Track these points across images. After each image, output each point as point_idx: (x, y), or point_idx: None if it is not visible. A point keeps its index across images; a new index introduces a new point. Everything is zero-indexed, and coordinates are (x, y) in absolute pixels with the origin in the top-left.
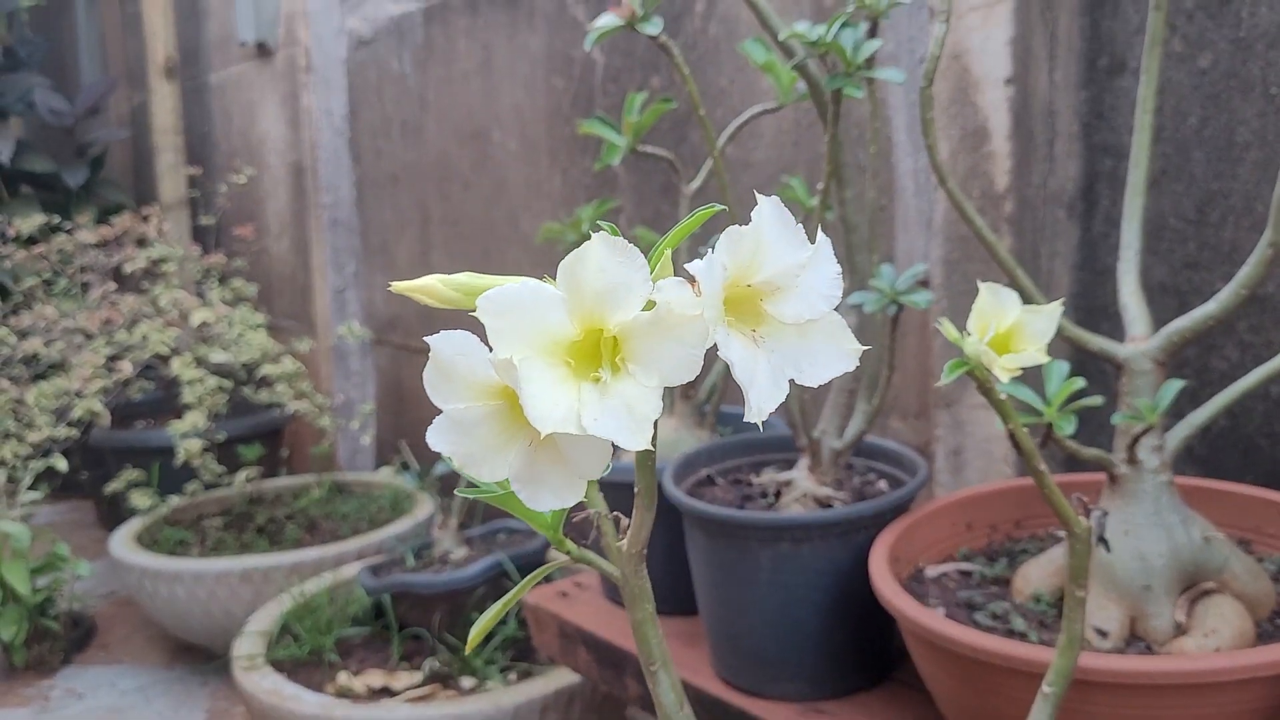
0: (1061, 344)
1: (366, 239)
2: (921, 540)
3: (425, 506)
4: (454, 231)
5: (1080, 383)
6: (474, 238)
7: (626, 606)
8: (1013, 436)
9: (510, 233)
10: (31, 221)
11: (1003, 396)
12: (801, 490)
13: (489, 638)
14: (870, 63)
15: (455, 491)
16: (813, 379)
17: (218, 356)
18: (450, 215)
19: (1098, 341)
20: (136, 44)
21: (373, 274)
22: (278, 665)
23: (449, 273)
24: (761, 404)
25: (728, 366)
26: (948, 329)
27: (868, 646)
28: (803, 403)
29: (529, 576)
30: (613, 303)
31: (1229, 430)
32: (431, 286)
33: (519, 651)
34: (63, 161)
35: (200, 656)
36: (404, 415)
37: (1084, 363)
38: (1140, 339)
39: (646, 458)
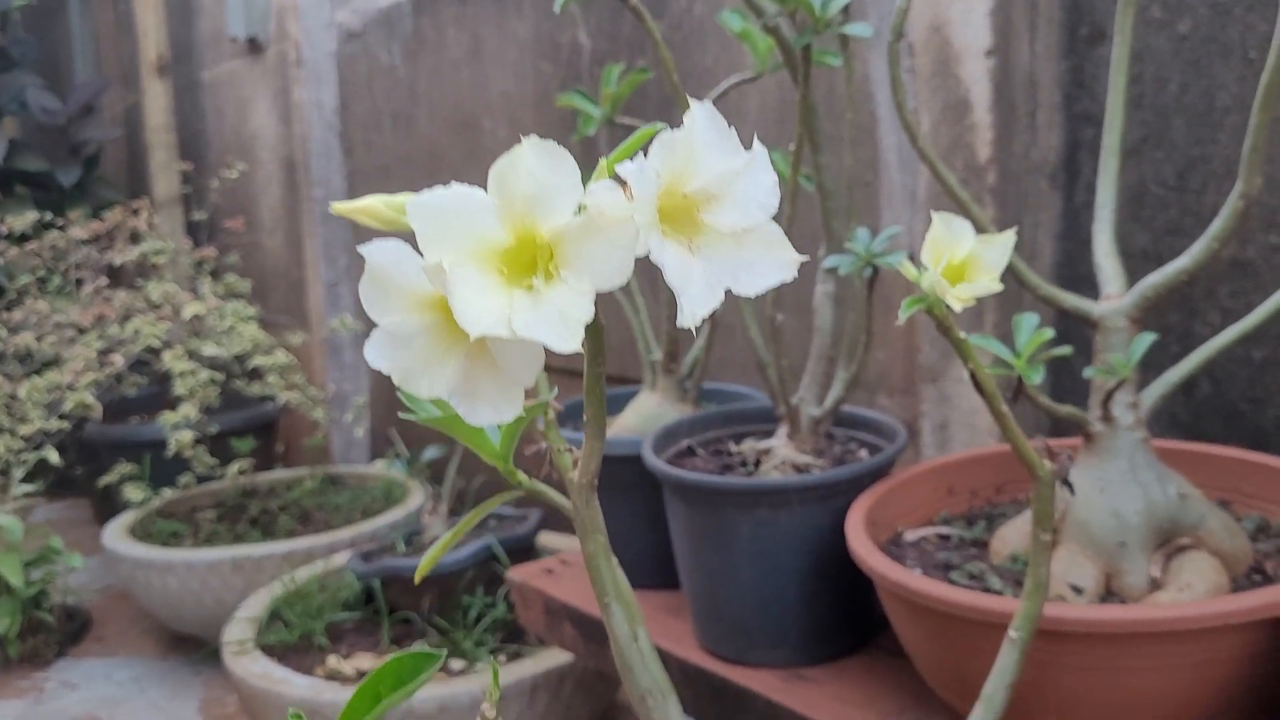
0: (1042, 310)
1: (359, 232)
2: (900, 505)
3: (417, 496)
4: None
5: (1049, 333)
6: None
7: (580, 539)
8: (973, 377)
9: None
10: (24, 219)
11: (962, 336)
12: (781, 458)
13: (478, 620)
14: (843, 17)
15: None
16: (749, 288)
17: (209, 349)
18: None
19: (1071, 300)
20: (129, 43)
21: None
22: (268, 650)
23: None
24: (694, 309)
25: (709, 339)
26: (907, 268)
27: (849, 613)
28: (781, 370)
29: (480, 506)
30: (543, 207)
31: (1212, 396)
32: (372, 207)
33: (509, 634)
34: (56, 161)
35: (194, 647)
36: (398, 407)
37: (1068, 330)
38: (1114, 297)
39: (595, 386)
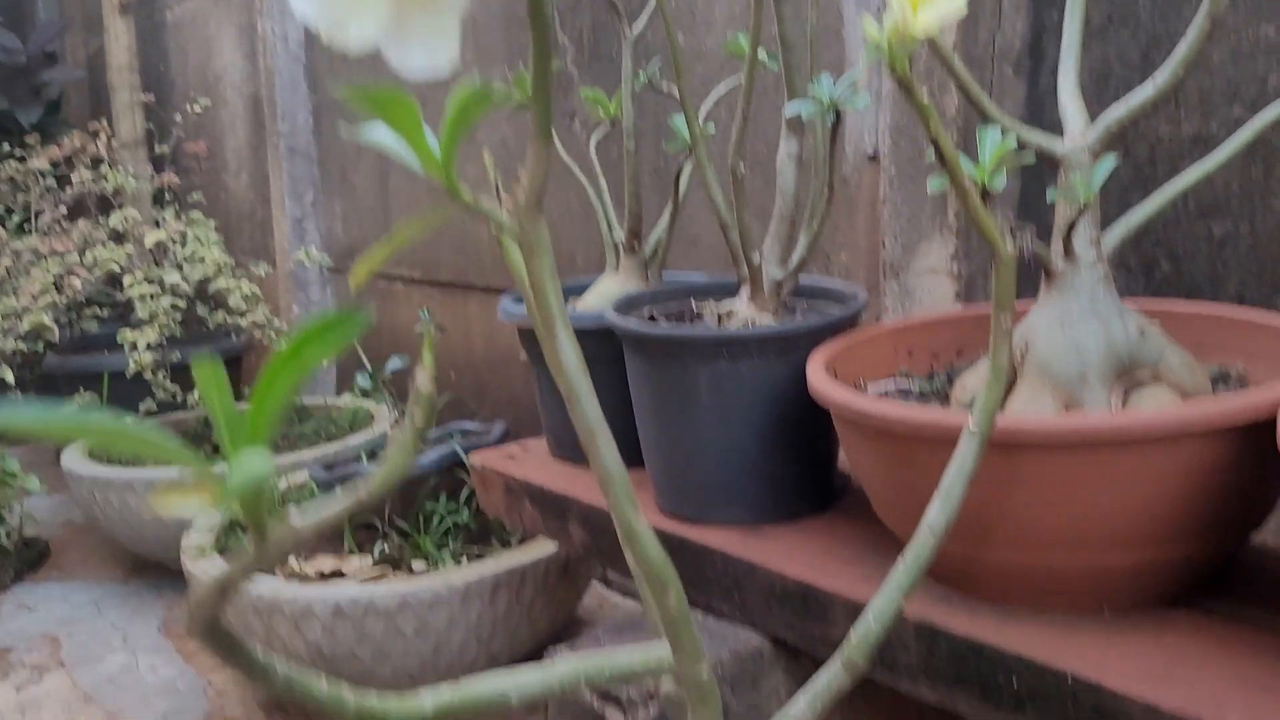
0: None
1: (325, 167)
2: (861, 360)
3: (383, 423)
4: None
5: (1012, 143)
6: None
7: (525, 261)
8: (936, 144)
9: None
10: None
11: (925, 101)
12: (743, 318)
13: (441, 526)
14: None
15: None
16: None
17: (171, 276)
18: None
19: (1037, 138)
20: None
21: (331, 202)
22: (226, 555)
23: (409, 198)
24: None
25: (673, 218)
26: (868, 24)
27: (809, 473)
28: (744, 227)
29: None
30: None
31: (1172, 275)
32: None
33: (472, 539)
34: (17, 101)
35: (156, 572)
36: (365, 344)
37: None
38: (1079, 135)
39: (541, 84)
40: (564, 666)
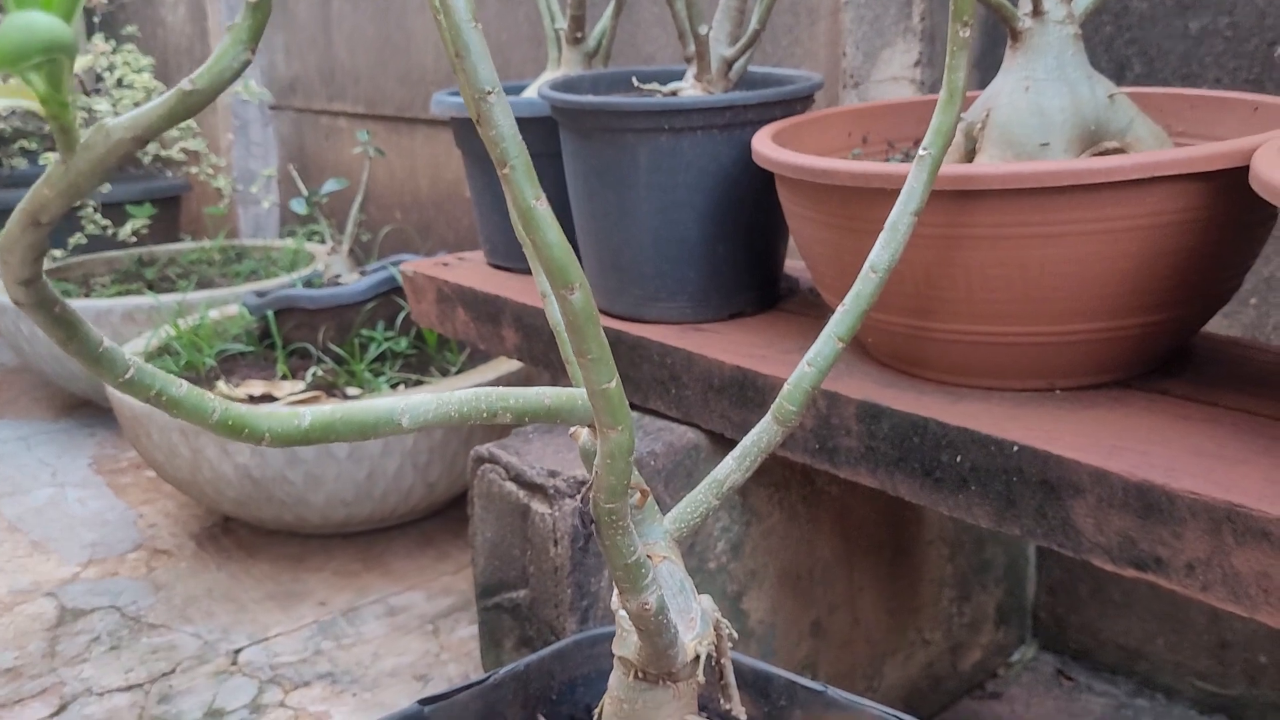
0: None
1: None
2: (811, 141)
3: (323, 261)
4: None
5: None
6: None
7: (453, 37)
8: None
9: None
10: None
11: None
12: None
13: (377, 349)
14: None
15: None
16: None
17: (100, 105)
18: None
19: None
20: None
21: (272, 34)
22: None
23: (353, 27)
24: None
25: (617, 7)
26: None
27: (754, 265)
28: (690, 1)
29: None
30: None
31: (1145, 76)
32: None
33: (411, 367)
34: None
35: (88, 411)
36: (308, 183)
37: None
38: None
39: None
40: (464, 393)
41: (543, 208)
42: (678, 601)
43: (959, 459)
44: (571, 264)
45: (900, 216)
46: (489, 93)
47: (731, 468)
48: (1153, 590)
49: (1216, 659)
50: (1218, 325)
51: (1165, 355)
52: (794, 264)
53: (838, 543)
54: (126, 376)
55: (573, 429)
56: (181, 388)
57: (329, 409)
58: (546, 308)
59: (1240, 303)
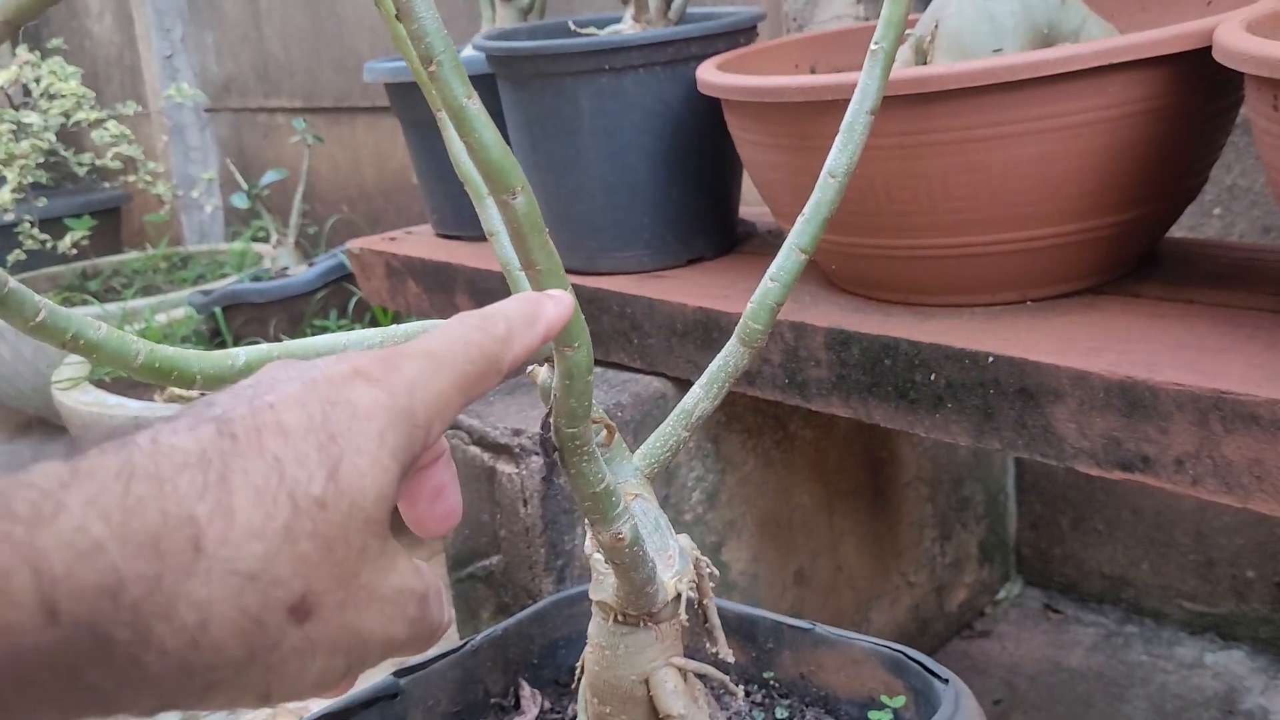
0: None
1: None
2: (757, 72)
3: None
4: None
5: None
6: None
7: None
8: None
9: None
10: None
11: None
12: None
13: None
14: None
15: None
16: None
17: (30, 117)
18: None
19: None
20: None
21: (201, 34)
22: (100, 384)
23: (284, 18)
24: None
25: None
26: None
27: (709, 208)
28: None
29: None
30: None
31: None
32: None
33: None
34: None
35: (45, 431)
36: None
37: None
38: None
39: None
40: (411, 325)
41: (475, 106)
42: (654, 540)
43: (933, 377)
44: (512, 166)
45: (856, 116)
46: None
47: (699, 396)
48: (1135, 515)
49: (1203, 578)
50: (1182, 236)
51: (1136, 259)
52: (749, 209)
53: (815, 488)
54: (38, 320)
55: (530, 367)
56: (100, 330)
57: (265, 347)
58: (495, 246)
59: (1204, 213)
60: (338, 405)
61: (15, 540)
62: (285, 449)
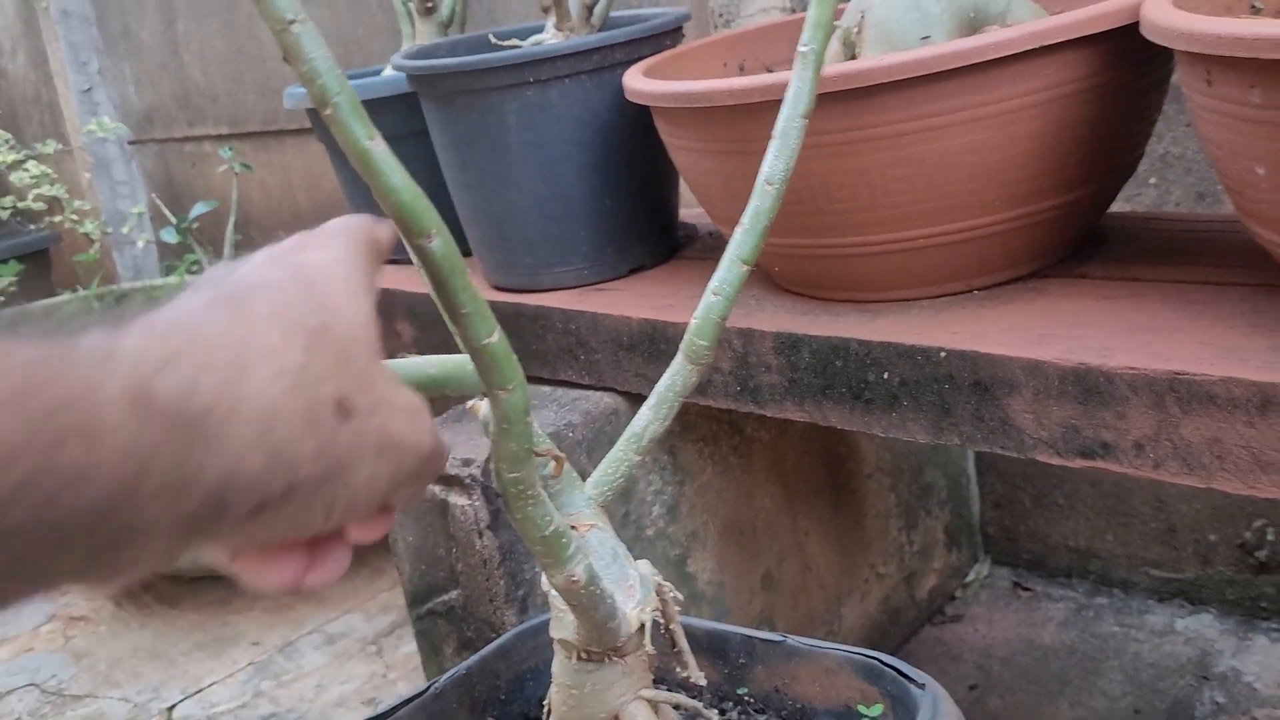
0: None
1: (105, 27)
2: (685, 75)
3: None
4: None
5: None
6: None
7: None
8: None
9: None
10: None
11: None
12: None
13: None
14: None
15: None
16: None
17: None
18: None
19: None
20: None
21: (119, 65)
22: None
23: (201, 43)
24: None
25: None
26: None
27: (647, 216)
28: None
29: None
30: None
31: None
32: None
33: None
34: None
35: None
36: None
37: None
38: None
39: None
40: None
41: (379, 148)
42: (612, 570)
43: (886, 375)
44: (424, 209)
45: (789, 121)
46: (292, 22)
47: (649, 418)
48: (1094, 488)
49: (1167, 545)
50: (1119, 209)
51: (1078, 239)
52: (690, 211)
53: (776, 490)
54: None
55: (470, 404)
56: None
57: None
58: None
59: (1140, 183)
60: (301, 266)
61: (87, 366)
62: (277, 297)
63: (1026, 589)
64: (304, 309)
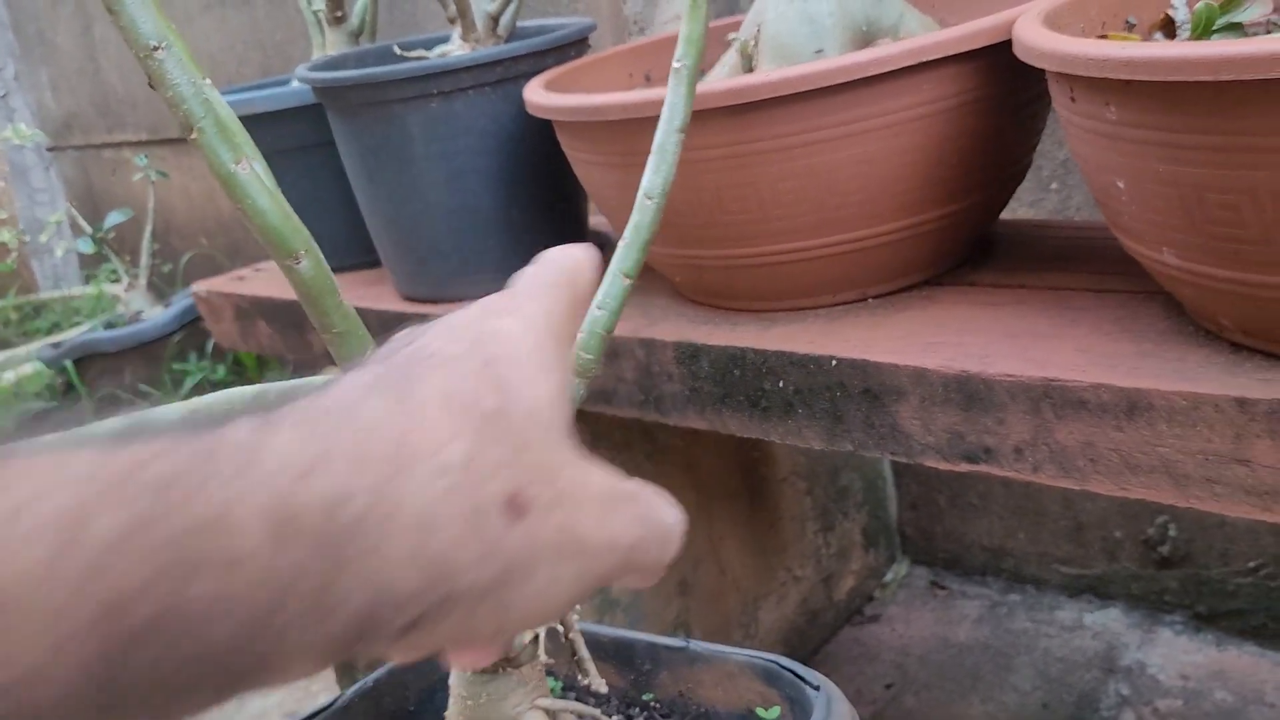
0: None
1: (20, 32)
2: (590, 86)
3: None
4: None
5: None
6: None
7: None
8: None
9: None
10: None
11: None
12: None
13: (192, 382)
14: None
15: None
16: None
17: None
18: None
19: None
20: None
21: (36, 70)
22: None
23: (118, 48)
24: None
25: None
26: None
27: (555, 225)
28: None
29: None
30: None
31: None
32: None
33: None
34: None
35: None
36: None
37: None
38: None
39: None
40: (216, 395)
41: (245, 172)
42: None
43: (781, 384)
44: (291, 230)
45: (666, 136)
46: (155, 48)
47: None
48: (1006, 488)
49: (1075, 542)
50: (1024, 214)
51: (969, 246)
52: (601, 220)
53: (691, 495)
54: None
55: None
56: None
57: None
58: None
59: (1042, 189)
60: (482, 337)
61: (225, 477)
62: (449, 376)
63: (943, 588)
64: (479, 390)
